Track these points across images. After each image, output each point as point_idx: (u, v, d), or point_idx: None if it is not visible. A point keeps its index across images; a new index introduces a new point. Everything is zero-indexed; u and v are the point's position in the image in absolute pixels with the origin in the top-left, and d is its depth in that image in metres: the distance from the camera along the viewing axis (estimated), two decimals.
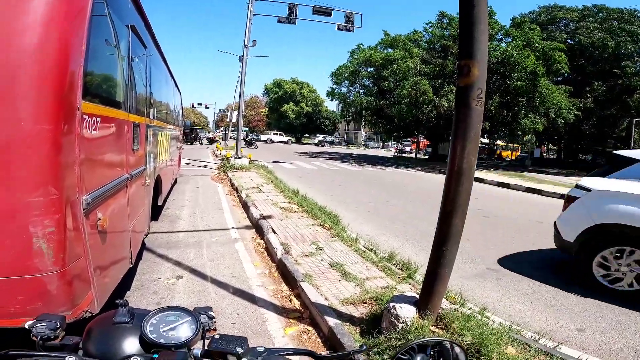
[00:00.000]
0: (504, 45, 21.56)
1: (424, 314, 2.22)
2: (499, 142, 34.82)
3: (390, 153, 39.39)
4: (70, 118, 1.67)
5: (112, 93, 2.48)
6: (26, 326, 0.72)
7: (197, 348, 0.75)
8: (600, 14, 25.29)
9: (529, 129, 21.73)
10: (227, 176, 10.93)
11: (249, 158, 13.58)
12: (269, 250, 4.58)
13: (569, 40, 25.20)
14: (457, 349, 0.69)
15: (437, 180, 14.66)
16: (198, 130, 33.61)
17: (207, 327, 0.78)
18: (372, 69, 26.04)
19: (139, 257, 4.02)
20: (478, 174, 10.88)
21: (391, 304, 2.33)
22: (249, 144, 27.19)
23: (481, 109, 2.07)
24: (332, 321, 2.74)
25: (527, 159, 28.09)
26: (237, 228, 5.71)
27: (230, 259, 4.33)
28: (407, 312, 2.24)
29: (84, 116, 1.81)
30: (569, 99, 21.47)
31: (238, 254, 4.55)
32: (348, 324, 2.73)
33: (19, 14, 1.55)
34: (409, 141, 38.91)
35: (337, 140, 51.89)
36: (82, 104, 1.77)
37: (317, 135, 51.57)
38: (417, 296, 2.42)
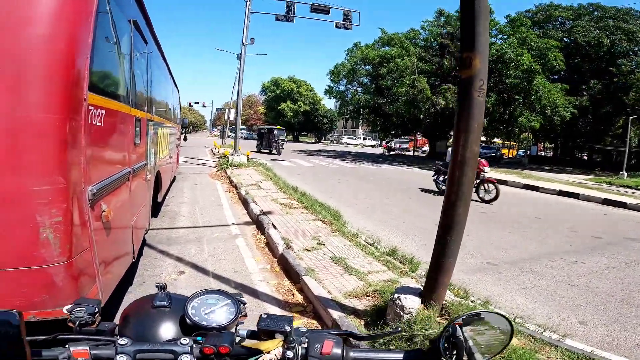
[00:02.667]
0: (499, 42, 21.66)
1: (429, 305, 2.24)
2: (496, 140, 34.76)
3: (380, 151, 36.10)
4: (77, 108, 1.70)
5: (116, 86, 2.49)
6: (64, 310, 0.70)
7: (242, 329, 0.74)
8: (596, 13, 25.46)
9: (525, 127, 21.85)
10: (226, 174, 10.91)
11: (247, 156, 13.56)
12: (270, 246, 4.58)
13: (565, 39, 25.33)
14: (503, 320, 0.67)
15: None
16: (276, 133, 20.93)
17: (241, 312, 0.78)
18: (369, 67, 26.01)
19: (140, 253, 4.01)
20: None
21: (396, 295, 2.34)
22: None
23: (483, 100, 2.11)
24: (335, 314, 2.75)
25: (523, 157, 28.17)
26: (238, 224, 5.70)
27: (231, 255, 4.32)
28: (412, 302, 2.25)
29: (90, 107, 1.83)
30: (565, 97, 21.60)
31: (239, 249, 4.54)
32: (352, 316, 2.74)
33: (30, 5, 1.59)
34: (406, 139, 38.20)
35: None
36: (88, 95, 1.79)
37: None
38: (422, 287, 2.43)
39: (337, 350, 0.67)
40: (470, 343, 0.67)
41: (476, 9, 2.05)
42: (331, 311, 2.78)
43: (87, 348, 0.61)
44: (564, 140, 31.16)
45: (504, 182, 13.71)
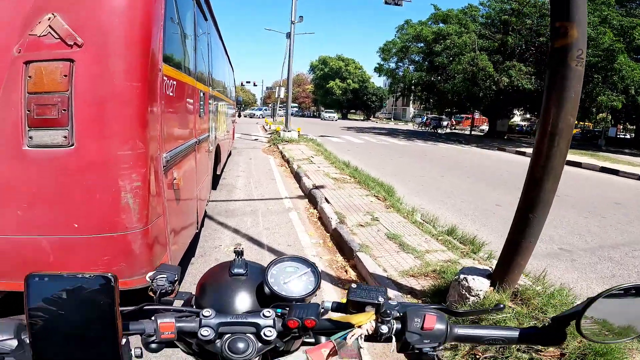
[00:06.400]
0: None
1: (500, 288, 2.09)
2: None
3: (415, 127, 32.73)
4: (154, 78, 1.74)
5: (183, 60, 2.54)
6: (147, 277, 0.68)
7: (327, 301, 0.68)
8: None
9: (605, 106, 19.60)
10: (278, 149, 11.13)
11: (299, 132, 13.68)
12: (323, 220, 4.60)
13: None
14: None
15: (495, 157, 13.75)
16: None
17: (320, 282, 0.71)
18: (422, 45, 24.97)
19: (202, 224, 4.20)
20: None
21: (462, 276, 2.22)
22: None
23: (581, 69, 1.86)
24: (391, 293, 2.69)
25: (600, 139, 25.13)
26: (290, 198, 5.80)
27: (285, 228, 4.40)
28: (480, 284, 2.12)
29: (164, 77, 1.87)
30: None
31: (292, 223, 4.60)
32: (409, 296, 2.67)
33: None
34: (461, 117, 35.66)
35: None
36: (163, 66, 1.83)
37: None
38: (490, 269, 2.27)
39: (441, 326, 0.59)
40: (612, 321, 0.57)
41: None
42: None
43: (173, 320, 0.58)
44: None
45: (578, 164, 12.48)
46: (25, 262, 1.66)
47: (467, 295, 2.13)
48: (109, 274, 0.46)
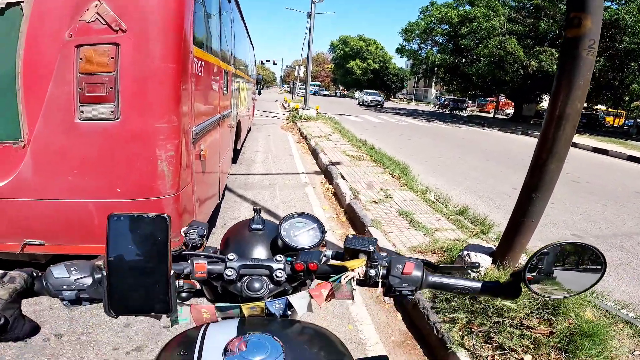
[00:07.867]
0: (614, 7, 18.37)
1: (500, 265, 2.21)
2: (600, 106, 29.88)
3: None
4: (186, 59, 1.91)
5: (210, 41, 2.70)
6: (182, 232, 0.80)
7: (328, 249, 0.80)
8: None
9: (638, 95, 18.68)
10: (296, 126, 11.25)
11: (317, 110, 13.70)
12: (338, 196, 4.76)
13: None
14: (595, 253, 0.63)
15: (518, 142, 13.42)
16: None
17: (325, 236, 0.83)
18: (447, 27, 24.35)
19: (223, 196, 4.43)
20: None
21: (465, 252, 2.35)
22: None
23: (592, 58, 1.90)
24: None
25: (631, 127, 23.90)
26: (307, 173, 5.97)
27: (300, 202, 4.57)
28: (482, 261, 2.25)
29: (194, 59, 2.04)
30: None
31: (308, 197, 4.77)
32: None
33: None
34: (486, 100, 34.54)
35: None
36: (194, 48, 2.00)
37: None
38: (494, 247, 2.39)
39: (418, 273, 0.70)
40: (556, 276, 0.65)
41: None
42: None
43: (205, 262, 0.70)
44: None
45: (605, 152, 12.08)
46: (73, 225, 1.88)
47: (469, 272, 2.27)
48: (165, 215, 0.56)
